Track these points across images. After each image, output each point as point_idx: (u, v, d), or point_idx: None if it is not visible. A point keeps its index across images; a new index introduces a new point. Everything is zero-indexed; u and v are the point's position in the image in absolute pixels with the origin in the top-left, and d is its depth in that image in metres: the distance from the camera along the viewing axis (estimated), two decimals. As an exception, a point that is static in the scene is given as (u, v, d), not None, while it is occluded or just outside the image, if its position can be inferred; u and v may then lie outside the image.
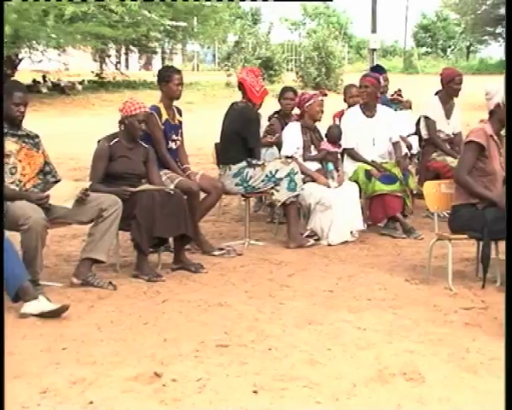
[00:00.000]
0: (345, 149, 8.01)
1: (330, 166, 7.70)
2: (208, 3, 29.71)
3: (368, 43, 20.63)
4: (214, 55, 46.09)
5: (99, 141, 6.45)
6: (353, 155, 8.01)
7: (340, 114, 8.70)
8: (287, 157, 7.56)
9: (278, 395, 3.89)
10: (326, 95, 8.10)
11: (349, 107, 8.62)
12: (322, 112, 7.79)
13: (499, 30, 51.15)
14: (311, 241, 7.42)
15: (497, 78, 25.44)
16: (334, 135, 7.86)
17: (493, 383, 4.02)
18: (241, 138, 7.26)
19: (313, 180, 7.55)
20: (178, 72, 7.16)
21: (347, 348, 4.58)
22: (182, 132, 7.22)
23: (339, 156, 7.94)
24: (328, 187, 7.52)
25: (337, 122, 8.54)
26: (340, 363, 4.34)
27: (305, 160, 7.67)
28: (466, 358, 4.40)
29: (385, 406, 3.79)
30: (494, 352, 4.46)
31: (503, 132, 6.28)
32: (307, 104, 7.69)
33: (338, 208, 7.43)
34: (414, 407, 3.78)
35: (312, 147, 7.76)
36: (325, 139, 7.86)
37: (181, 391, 3.92)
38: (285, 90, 8.69)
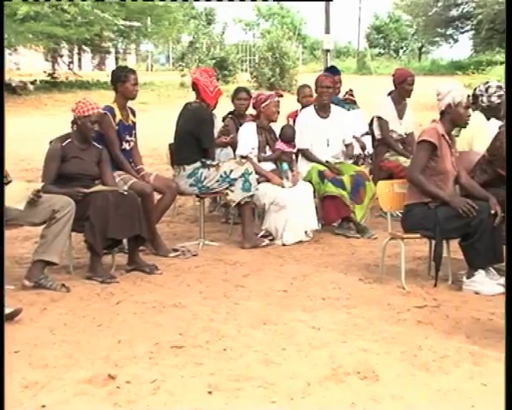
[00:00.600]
0: (300, 149, 8.04)
1: (285, 166, 7.72)
2: (162, 3, 29.59)
3: (321, 43, 20.72)
4: (168, 56, 45.91)
5: (51, 142, 6.39)
6: (308, 156, 8.04)
7: (294, 115, 8.73)
8: (242, 157, 7.56)
9: (233, 396, 3.89)
10: (282, 96, 8.13)
11: (302, 107, 8.66)
12: (278, 113, 7.82)
13: (450, 31, 51.84)
14: (266, 241, 7.44)
15: (448, 78, 25.83)
16: (288, 135, 7.88)
17: (444, 381, 4.08)
18: (195, 139, 7.25)
19: (268, 180, 7.57)
20: (134, 72, 7.14)
21: (302, 347, 4.60)
22: (135, 133, 7.19)
23: (293, 157, 7.96)
24: (283, 187, 7.54)
25: (291, 122, 8.57)
26: (295, 362, 4.35)
27: (259, 160, 7.68)
28: (418, 356, 4.45)
29: (339, 404, 3.82)
30: (446, 349, 4.52)
31: (454, 132, 6.39)
32: (263, 105, 7.70)
33: (292, 208, 7.46)
34: (367, 405, 3.81)
35: (267, 147, 7.78)
36: (279, 139, 7.88)
37: (135, 393, 3.90)
38: (238, 90, 8.71)
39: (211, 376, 4.12)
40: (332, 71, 9.52)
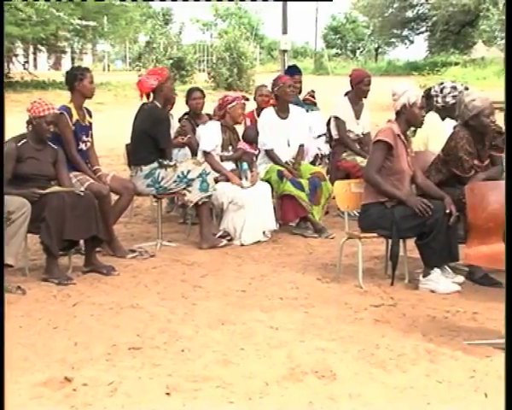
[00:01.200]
0: (265, 150, 8.03)
1: (245, 165, 7.73)
2: (118, 2, 29.40)
3: (279, 44, 20.78)
4: (125, 56, 45.64)
5: (6, 142, 6.30)
6: (272, 157, 8.02)
7: (251, 114, 8.74)
8: (205, 152, 7.55)
9: (191, 396, 3.88)
10: (248, 99, 8.15)
11: (259, 107, 8.67)
12: (244, 115, 7.84)
13: (406, 32, 52.37)
14: (224, 241, 7.43)
15: (404, 79, 26.07)
16: (251, 136, 7.91)
17: (401, 378, 4.11)
18: (151, 139, 7.22)
19: (227, 180, 7.56)
20: (89, 70, 7.12)
21: (260, 347, 4.60)
22: (92, 134, 7.13)
23: (254, 158, 7.97)
24: (242, 187, 7.54)
25: (248, 122, 8.57)
26: (253, 362, 4.36)
27: (222, 159, 7.67)
28: (375, 354, 4.48)
29: (297, 404, 3.83)
30: (402, 348, 4.56)
31: (409, 132, 6.45)
32: (230, 106, 7.72)
33: (251, 208, 7.46)
34: (325, 403, 3.83)
35: (230, 147, 7.77)
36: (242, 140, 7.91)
37: (92, 395, 3.87)
38: (192, 90, 8.76)
39: (168, 377, 4.11)
40: (293, 70, 9.57)
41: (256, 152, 7.95)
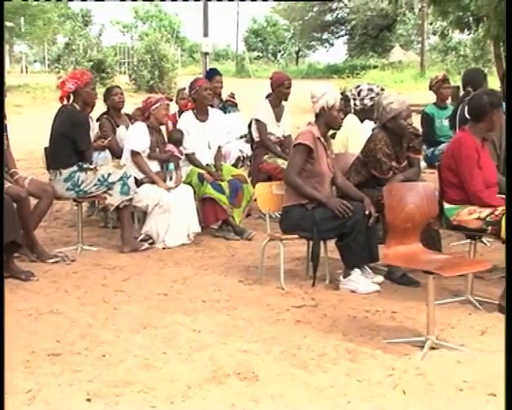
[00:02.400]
0: (186, 154, 8.00)
1: (171, 166, 7.69)
2: (35, 3, 28.88)
3: (200, 46, 20.76)
4: (44, 57, 44.85)
5: None
6: (193, 160, 7.98)
7: (173, 117, 8.70)
8: (133, 152, 7.48)
9: (113, 402, 3.84)
10: (171, 100, 8.10)
11: (180, 109, 8.65)
12: (168, 116, 7.80)
13: (326, 36, 53.03)
14: (146, 245, 7.38)
15: (324, 82, 26.35)
16: (177, 138, 7.85)
17: (322, 378, 4.15)
18: (70, 142, 7.12)
19: (152, 182, 7.51)
20: None
21: (182, 350, 4.59)
22: (7, 135, 6.97)
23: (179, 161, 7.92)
24: (168, 190, 7.49)
25: (169, 125, 8.53)
26: (175, 366, 4.34)
27: (150, 158, 7.61)
28: (297, 354, 4.51)
29: (219, 406, 3.83)
30: (324, 348, 4.61)
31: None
32: (153, 107, 7.65)
33: (176, 211, 7.43)
34: (247, 405, 3.84)
35: (157, 149, 7.71)
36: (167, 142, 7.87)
37: (10, 404, 3.77)
38: (111, 88, 8.80)
39: (89, 383, 4.06)
40: (213, 73, 9.57)
41: (182, 157, 7.90)
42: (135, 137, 7.66)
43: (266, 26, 61.15)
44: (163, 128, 8.10)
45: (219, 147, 8.25)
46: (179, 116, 8.50)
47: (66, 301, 5.68)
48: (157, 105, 7.70)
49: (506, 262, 3.82)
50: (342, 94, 7.33)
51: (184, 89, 9.02)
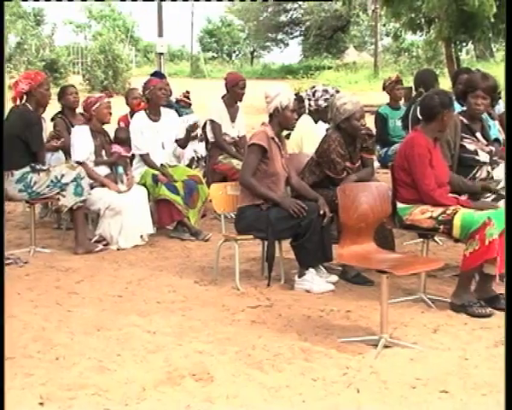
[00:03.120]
0: (140, 155, 7.95)
1: (120, 169, 7.63)
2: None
3: (155, 47, 20.70)
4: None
5: None
6: (146, 161, 7.94)
7: (125, 118, 8.65)
8: (78, 163, 7.39)
9: (66, 405, 3.80)
10: (112, 96, 8.02)
11: (132, 110, 8.59)
12: (110, 114, 7.72)
13: (280, 36, 53.18)
14: (100, 246, 7.33)
15: (279, 82, 26.42)
16: (123, 138, 7.80)
17: (277, 378, 4.16)
18: (22, 142, 7.04)
19: (102, 185, 7.45)
20: None
21: (137, 352, 4.56)
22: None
23: (128, 160, 7.88)
24: (119, 192, 7.44)
25: (122, 126, 8.47)
26: (130, 368, 4.31)
27: (97, 164, 7.53)
28: (252, 355, 4.52)
29: (174, 407, 3.82)
30: (279, 347, 4.62)
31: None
32: (94, 108, 7.56)
33: (128, 213, 7.39)
34: (203, 406, 3.83)
35: (103, 152, 7.64)
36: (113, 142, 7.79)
37: (-39, 409, 3.73)
38: (65, 87, 8.74)
39: (42, 386, 4.02)
40: (158, 76, 9.51)
41: (130, 154, 7.85)
42: (77, 145, 7.52)
43: (221, 27, 61.02)
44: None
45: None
46: (131, 117, 8.44)
47: (19, 303, 5.61)
48: (97, 105, 7.57)
49: (506, 261, 3.83)
50: (296, 95, 7.36)
51: (135, 89, 8.97)
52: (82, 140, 7.53)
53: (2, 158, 5.44)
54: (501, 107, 8.18)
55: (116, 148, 7.72)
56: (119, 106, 9.35)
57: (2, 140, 5.51)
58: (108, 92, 8.25)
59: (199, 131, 9.25)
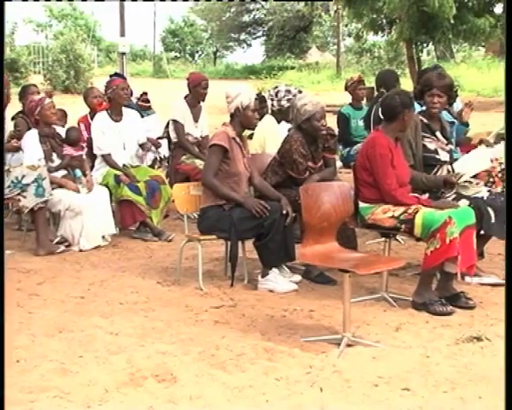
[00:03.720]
0: (101, 155, 7.89)
1: (78, 172, 7.54)
2: None
3: (117, 46, 20.58)
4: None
5: None
6: (109, 161, 7.88)
7: (85, 119, 8.56)
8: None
9: (27, 408, 3.77)
10: (52, 95, 7.91)
11: (91, 110, 8.52)
12: (55, 113, 7.60)
13: (243, 36, 53.21)
14: (62, 247, 7.27)
15: (242, 82, 26.44)
16: (74, 138, 7.67)
17: (241, 378, 4.17)
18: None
19: (61, 186, 7.37)
20: None
21: (99, 354, 4.53)
22: None
23: (83, 157, 7.75)
24: (78, 192, 7.39)
25: (82, 128, 8.37)
26: (92, 369, 4.28)
27: (50, 171, 7.34)
28: (216, 355, 4.51)
29: (137, 409, 3.80)
30: (242, 347, 4.62)
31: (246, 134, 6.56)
32: (37, 112, 7.39)
33: (89, 214, 7.33)
34: (166, 407, 3.82)
35: (55, 155, 7.53)
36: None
37: None
38: (27, 86, 8.68)
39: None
40: (118, 77, 9.45)
41: (83, 153, 7.74)
42: (26, 150, 7.39)
43: (184, 27, 60.85)
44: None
45: (144, 143, 8.17)
46: (91, 117, 8.36)
47: (-21, 306, 5.53)
48: (39, 109, 7.40)
49: (506, 260, 3.85)
50: (258, 94, 7.36)
51: (94, 88, 8.89)
52: (31, 145, 7.39)
53: (2, 158, 5.35)
54: (459, 105, 8.28)
55: (68, 150, 7.60)
56: (81, 106, 9.28)
57: (2, 140, 5.42)
58: (48, 92, 8.08)
59: (159, 133, 9.20)
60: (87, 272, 6.61)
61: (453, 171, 6.04)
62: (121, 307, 5.58)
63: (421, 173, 5.91)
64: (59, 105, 8.58)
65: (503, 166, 6.65)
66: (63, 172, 7.53)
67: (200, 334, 4.93)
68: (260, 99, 7.16)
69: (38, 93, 8.36)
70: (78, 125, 8.48)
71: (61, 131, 7.76)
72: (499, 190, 6.27)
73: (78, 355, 4.51)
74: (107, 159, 7.89)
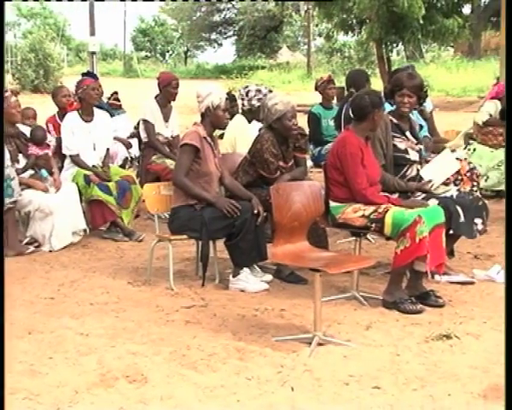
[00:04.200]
0: (70, 155, 7.83)
1: (44, 172, 7.46)
2: None
3: (87, 46, 20.48)
4: None
5: None
6: (77, 162, 7.83)
7: (53, 119, 8.46)
8: None
9: (-4, 411, 3.73)
10: (18, 93, 7.83)
11: (60, 109, 8.44)
12: (19, 112, 7.52)
13: (214, 36, 53.20)
14: (32, 248, 7.21)
15: (212, 82, 26.45)
16: (39, 137, 7.60)
17: (212, 378, 4.16)
18: None
19: (29, 187, 7.31)
20: None
21: (69, 355, 4.51)
22: None
23: (49, 154, 7.67)
24: (47, 192, 7.33)
25: (51, 128, 8.29)
26: (62, 371, 4.26)
27: (17, 173, 7.25)
28: (187, 355, 4.51)
29: (107, 410, 3.79)
30: (213, 347, 4.61)
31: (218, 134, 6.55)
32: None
33: (59, 213, 7.28)
34: (137, 408, 3.80)
35: (20, 155, 7.45)
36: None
37: None
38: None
39: (-28, 392, 3.93)
40: (90, 76, 9.40)
41: (49, 151, 7.67)
42: None
43: (154, 26, 60.73)
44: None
45: (108, 149, 8.13)
46: (60, 117, 8.27)
47: None
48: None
49: (506, 261, 3.86)
50: (229, 94, 7.37)
51: (63, 87, 8.81)
52: None
53: (2, 158, 5.27)
54: (429, 105, 8.33)
55: (33, 149, 7.52)
56: (50, 106, 9.20)
57: (2, 140, 5.35)
58: (14, 91, 7.97)
59: (128, 134, 9.17)
60: (57, 272, 6.57)
61: (421, 178, 6.05)
62: (92, 307, 5.55)
63: (393, 178, 5.94)
64: (28, 104, 8.53)
65: (472, 166, 6.73)
66: (30, 171, 7.47)
67: (171, 334, 4.92)
68: (231, 99, 7.17)
69: (6, 91, 8.28)
70: (47, 125, 8.36)
71: (26, 130, 7.70)
72: (468, 188, 6.33)
73: (47, 357, 4.48)
74: (75, 159, 7.83)
